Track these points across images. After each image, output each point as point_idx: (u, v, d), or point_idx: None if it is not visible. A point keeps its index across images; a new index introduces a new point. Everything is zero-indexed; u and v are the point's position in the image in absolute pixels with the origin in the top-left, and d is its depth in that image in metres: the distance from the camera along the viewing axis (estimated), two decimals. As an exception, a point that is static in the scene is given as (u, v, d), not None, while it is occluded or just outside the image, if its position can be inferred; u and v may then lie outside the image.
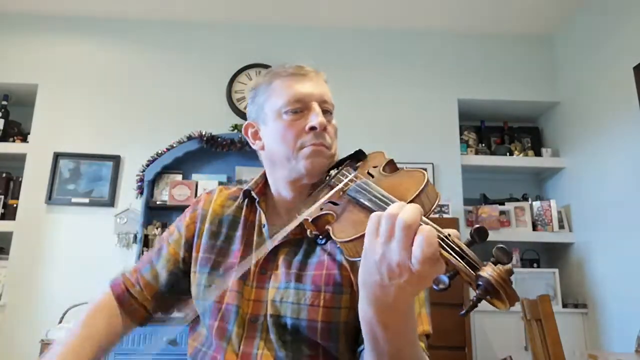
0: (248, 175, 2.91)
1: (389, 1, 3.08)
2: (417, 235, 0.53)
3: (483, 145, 3.28)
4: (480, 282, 0.51)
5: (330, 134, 0.90)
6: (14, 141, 3.03)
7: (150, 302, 0.99)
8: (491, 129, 3.41)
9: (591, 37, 2.94)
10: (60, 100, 3.08)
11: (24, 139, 3.04)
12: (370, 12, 3.18)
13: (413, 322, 0.67)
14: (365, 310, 0.63)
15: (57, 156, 2.96)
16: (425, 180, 0.65)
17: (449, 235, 0.55)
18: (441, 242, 0.54)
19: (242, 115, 3.10)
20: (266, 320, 0.83)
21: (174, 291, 0.99)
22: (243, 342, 0.83)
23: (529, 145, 3.32)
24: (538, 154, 3.25)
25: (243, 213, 0.97)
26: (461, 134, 3.21)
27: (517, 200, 3.19)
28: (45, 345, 2.27)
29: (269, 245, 0.86)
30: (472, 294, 0.52)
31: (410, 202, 0.61)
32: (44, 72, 3.11)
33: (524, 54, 3.34)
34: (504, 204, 3.12)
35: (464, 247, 0.54)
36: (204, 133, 2.87)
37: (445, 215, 2.87)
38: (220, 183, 2.92)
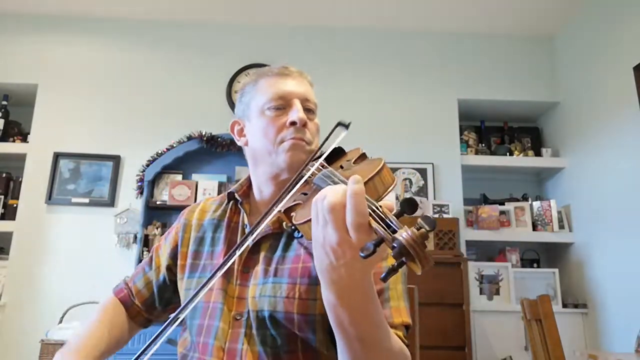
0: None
1: (389, 1, 3.08)
2: (347, 207, 0.56)
3: (483, 145, 3.28)
4: (394, 244, 0.51)
5: (311, 131, 0.93)
6: (14, 141, 3.03)
7: (142, 309, 1.05)
8: (491, 129, 3.41)
9: (591, 37, 2.94)
10: (60, 100, 3.08)
11: (24, 139, 3.04)
12: (370, 12, 3.18)
13: (375, 303, 0.67)
14: (327, 297, 0.65)
15: (57, 156, 2.96)
16: (380, 166, 0.68)
17: (380, 206, 0.57)
18: (372, 212, 0.56)
19: (242, 115, 3.10)
20: (249, 317, 0.85)
21: (162, 299, 1.05)
22: (229, 337, 0.85)
23: (529, 145, 3.32)
24: (538, 154, 3.25)
25: (227, 215, 1.00)
26: (461, 134, 3.21)
27: (517, 200, 3.19)
28: (45, 345, 2.27)
29: (250, 240, 0.87)
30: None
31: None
32: (44, 72, 3.11)
33: (524, 54, 3.34)
34: (504, 204, 3.11)
35: (390, 216, 0.56)
36: (204, 133, 2.88)
37: (445, 215, 2.86)
38: (220, 183, 2.93)
